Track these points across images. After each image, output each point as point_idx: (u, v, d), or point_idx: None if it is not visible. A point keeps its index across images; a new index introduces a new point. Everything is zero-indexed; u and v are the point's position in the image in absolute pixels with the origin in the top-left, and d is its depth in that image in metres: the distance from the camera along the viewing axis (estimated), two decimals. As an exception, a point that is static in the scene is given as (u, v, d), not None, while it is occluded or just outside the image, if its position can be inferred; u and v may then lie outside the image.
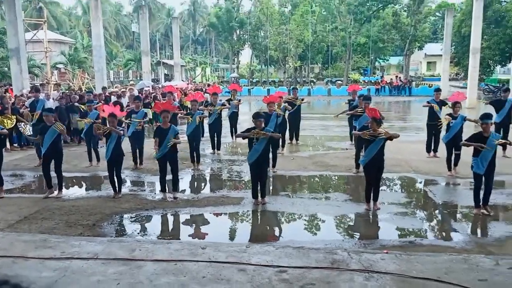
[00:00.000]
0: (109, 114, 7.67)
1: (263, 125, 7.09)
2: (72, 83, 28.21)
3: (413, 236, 5.90)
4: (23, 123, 11.14)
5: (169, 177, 7.53)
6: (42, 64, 30.92)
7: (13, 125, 11.23)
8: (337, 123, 16.68)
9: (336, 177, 9.16)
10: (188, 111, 10.38)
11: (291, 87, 12.79)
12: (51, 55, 30.36)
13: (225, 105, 11.94)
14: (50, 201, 7.35)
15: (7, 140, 11.03)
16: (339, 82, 40.38)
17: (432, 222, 6.64)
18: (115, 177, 7.60)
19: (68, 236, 5.58)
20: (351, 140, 11.79)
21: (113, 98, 14.81)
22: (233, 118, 12.87)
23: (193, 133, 9.70)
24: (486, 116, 6.57)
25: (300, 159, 10.72)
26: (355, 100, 11.43)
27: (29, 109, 11.05)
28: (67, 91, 16.18)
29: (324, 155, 11.26)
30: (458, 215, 6.79)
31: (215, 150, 11.41)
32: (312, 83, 44.09)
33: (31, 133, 10.62)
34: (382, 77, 46.72)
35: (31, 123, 10.64)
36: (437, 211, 7.02)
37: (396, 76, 41.50)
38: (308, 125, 15.51)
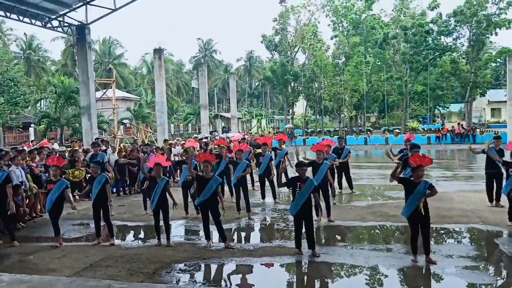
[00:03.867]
0: (155, 163, 8.02)
1: (306, 174, 7.09)
2: (136, 137, 29.84)
3: (485, 292, 5.47)
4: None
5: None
6: (110, 119, 33.24)
7: (83, 177, 12.03)
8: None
9: (397, 228, 8.79)
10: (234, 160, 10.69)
11: (338, 136, 12.76)
12: (118, 111, 32.58)
13: (272, 159, 12.08)
14: (113, 249, 7.64)
15: (76, 190, 11.75)
16: (397, 130, 39.50)
17: (505, 278, 6.13)
18: (161, 225, 7.83)
19: (130, 282, 5.73)
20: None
21: (174, 149, 15.48)
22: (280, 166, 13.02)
23: (239, 182, 9.94)
24: None
25: (358, 209, 10.46)
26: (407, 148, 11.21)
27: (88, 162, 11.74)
28: (127, 145, 17.13)
29: (383, 204, 10.90)
30: (536, 270, 6.24)
31: (274, 199, 11.59)
32: (368, 132, 43.50)
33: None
34: (443, 124, 45.24)
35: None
36: (510, 265, 6.48)
37: (458, 124, 39.96)
38: (366, 174, 15.18)
